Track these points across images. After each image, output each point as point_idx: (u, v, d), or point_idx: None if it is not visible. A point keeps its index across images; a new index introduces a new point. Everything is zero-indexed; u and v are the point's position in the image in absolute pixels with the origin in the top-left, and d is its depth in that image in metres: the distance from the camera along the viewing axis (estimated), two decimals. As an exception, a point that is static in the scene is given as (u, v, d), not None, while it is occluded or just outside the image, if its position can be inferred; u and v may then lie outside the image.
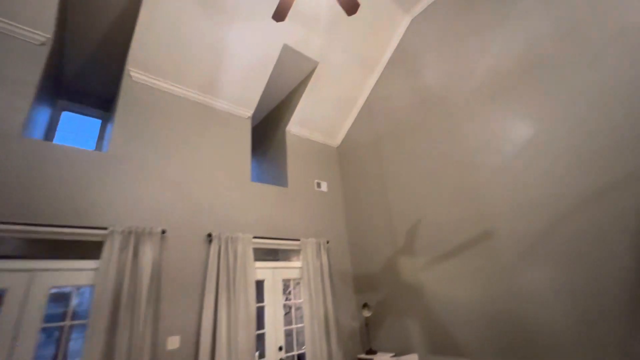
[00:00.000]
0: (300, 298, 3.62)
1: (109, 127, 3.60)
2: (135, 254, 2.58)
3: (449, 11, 3.76)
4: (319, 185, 4.41)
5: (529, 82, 2.92)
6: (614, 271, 2.24)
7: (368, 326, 3.70)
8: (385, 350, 3.55)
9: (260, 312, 3.21)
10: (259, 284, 3.32)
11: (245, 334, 2.89)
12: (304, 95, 4.25)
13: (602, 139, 2.43)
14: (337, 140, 4.87)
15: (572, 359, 2.30)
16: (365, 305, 3.62)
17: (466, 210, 3.13)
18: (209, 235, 3.09)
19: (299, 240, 3.76)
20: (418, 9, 4.11)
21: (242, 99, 3.89)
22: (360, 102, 4.61)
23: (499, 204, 2.91)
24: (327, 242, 3.97)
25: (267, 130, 4.79)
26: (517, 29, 3.09)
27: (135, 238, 2.61)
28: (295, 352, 3.52)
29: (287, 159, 4.22)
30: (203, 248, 3.06)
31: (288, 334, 3.47)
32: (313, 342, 3.33)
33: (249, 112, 4.00)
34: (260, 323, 3.16)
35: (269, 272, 3.50)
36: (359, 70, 4.38)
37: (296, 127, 4.43)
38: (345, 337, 3.72)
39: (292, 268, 3.74)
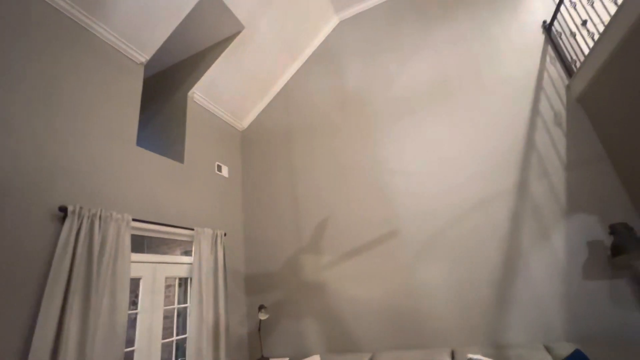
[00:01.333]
0: (186, 302, 2.89)
1: None
2: None
3: (377, 24, 4.02)
4: (219, 168, 3.77)
5: (437, 104, 3.38)
6: (487, 268, 2.76)
7: (260, 331, 3.31)
8: (280, 355, 3.25)
9: (131, 322, 2.33)
10: (133, 283, 2.43)
11: (107, 354, 2.01)
12: (218, 61, 3.58)
13: (486, 161, 3.02)
14: (244, 122, 4.34)
15: (454, 340, 2.67)
16: (261, 308, 3.23)
17: (375, 211, 3.28)
18: (63, 209, 2.05)
19: (192, 229, 3.04)
20: (348, 13, 4.22)
21: (137, 38, 2.90)
22: (277, 87, 4.29)
23: (404, 207, 3.18)
24: (225, 235, 3.38)
25: (164, 87, 3.77)
26: (432, 57, 3.57)
27: None
28: (169, 372, 2.75)
29: (187, 129, 3.42)
30: (50, 227, 2.00)
31: (166, 348, 2.67)
32: (198, 356, 2.67)
33: (144, 58, 3.03)
34: (129, 337, 2.29)
35: (149, 269, 2.64)
36: (282, 53, 4.09)
37: (201, 94, 3.68)
38: (233, 347, 3.20)
39: (179, 264, 2.96)
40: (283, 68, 4.21)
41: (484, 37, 3.43)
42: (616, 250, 2.26)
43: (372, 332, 2.94)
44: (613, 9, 2.39)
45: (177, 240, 3.01)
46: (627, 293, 2.38)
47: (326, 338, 3.10)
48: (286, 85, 4.27)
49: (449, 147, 3.20)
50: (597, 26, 2.75)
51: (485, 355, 2.37)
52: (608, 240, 2.51)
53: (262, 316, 3.21)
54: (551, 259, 2.62)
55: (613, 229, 2.32)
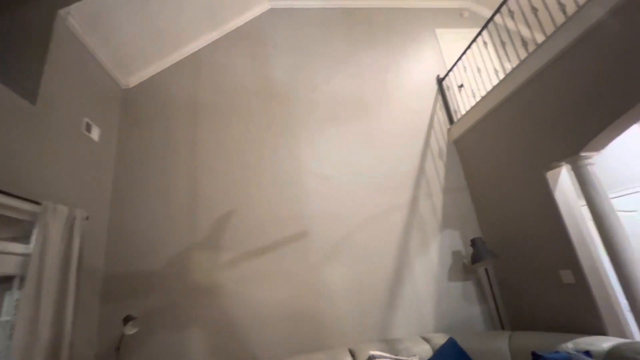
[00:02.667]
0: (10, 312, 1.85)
1: None
2: None
3: (309, 27, 4.03)
4: (88, 127, 2.74)
5: (355, 118, 3.64)
6: (382, 271, 3.06)
7: (120, 350, 2.49)
8: (147, 379, 2.51)
9: None
10: None
11: None
12: (118, -14, 2.69)
13: (389, 177, 3.42)
14: (131, 79, 3.37)
15: (352, 340, 2.78)
16: (128, 319, 2.45)
17: (286, 210, 3.14)
18: None
19: (38, 203, 2.04)
20: (281, 3, 4.06)
21: None
22: (188, 51, 3.59)
23: (316, 209, 3.18)
24: (87, 218, 2.44)
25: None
26: (355, 74, 3.85)
27: None
28: None
29: (47, 59, 2.34)
30: None
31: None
32: (20, 397, 1.73)
33: None
34: None
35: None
36: (203, 16, 3.48)
37: (79, 21, 2.63)
38: (73, 375, 2.24)
39: (6, 254, 1.89)
40: (200, 32, 3.57)
41: (396, 71, 3.98)
42: (474, 258, 2.95)
43: (273, 338, 2.70)
44: (492, 81, 3.25)
45: (6, 217, 1.93)
46: (472, 292, 3.13)
47: (218, 350, 2.63)
48: (200, 52, 3.62)
49: (362, 159, 3.46)
50: (475, 92, 3.67)
51: (379, 350, 2.57)
52: (464, 250, 3.26)
53: (130, 330, 2.43)
54: (429, 264, 3.16)
55: (473, 242, 3.03)
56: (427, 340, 2.71)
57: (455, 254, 3.25)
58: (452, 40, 4.30)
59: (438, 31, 4.32)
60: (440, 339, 2.65)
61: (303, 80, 3.71)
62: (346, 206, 3.24)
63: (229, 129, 3.36)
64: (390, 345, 2.63)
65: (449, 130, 3.78)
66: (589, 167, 2.26)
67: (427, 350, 2.58)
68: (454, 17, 4.54)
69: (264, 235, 3.01)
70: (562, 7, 2.39)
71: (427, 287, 3.07)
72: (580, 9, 2.17)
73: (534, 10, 2.65)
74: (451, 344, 2.51)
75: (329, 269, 3.00)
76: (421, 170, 3.53)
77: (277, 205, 3.14)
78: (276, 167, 3.27)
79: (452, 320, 2.99)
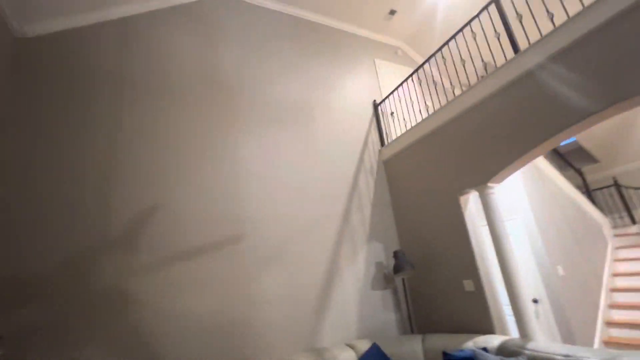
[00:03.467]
0: None
1: None
2: None
3: (260, 24, 3.93)
4: (-41, 75, 2.02)
5: (300, 124, 3.66)
6: (315, 279, 3.09)
7: (-32, 382, 1.82)
8: (11, 418, 1.87)
9: None
10: None
11: None
12: None
13: (328, 187, 3.53)
14: (30, 28, 2.65)
15: (283, 350, 2.69)
16: (-9, 337, 1.83)
17: (221, 210, 2.90)
18: None
19: None
20: (234, -7, 3.85)
21: None
22: (119, 12, 3.04)
23: (254, 212, 3.04)
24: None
25: None
26: (302, 82, 3.90)
27: None
28: None
29: None
30: None
31: None
32: None
33: None
34: None
35: None
36: (145, -22, 3.03)
37: None
38: None
39: None
40: (136, -6, 3.09)
41: (340, 88, 4.20)
42: (396, 269, 3.25)
43: (200, 354, 2.38)
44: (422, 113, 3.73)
45: None
46: (390, 300, 3.43)
47: (119, 372, 2.17)
48: (134, 19, 3.11)
49: (303, 167, 3.48)
50: (406, 121, 4.14)
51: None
52: (386, 261, 3.57)
53: (-8, 352, 1.81)
54: (356, 273, 3.34)
55: (395, 254, 3.35)
56: (352, 347, 2.82)
57: (379, 265, 3.52)
58: (388, 72, 4.80)
59: (377, 61, 4.77)
60: (364, 345, 2.80)
61: (250, 77, 3.56)
62: (285, 212, 3.18)
63: (160, 113, 2.94)
64: (318, 354, 2.64)
65: (380, 150, 4.14)
66: (491, 195, 2.80)
67: (352, 356, 2.68)
68: (390, 52, 5.10)
69: (193, 237, 2.69)
70: (484, 65, 2.96)
71: (353, 295, 3.22)
72: (494, 71, 2.72)
73: (463, 61, 3.20)
74: (375, 350, 2.68)
75: (264, 275, 2.86)
76: (355, 184, 3.75)
77: (210, 204, 2.86)
78: (212, 163, 3.00)
79: (372, 326, 3.20)
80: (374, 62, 4.75)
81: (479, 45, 3.23)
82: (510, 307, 2.55)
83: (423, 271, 3.37)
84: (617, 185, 5.38)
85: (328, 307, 3.04)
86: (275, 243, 3.02)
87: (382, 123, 4.29)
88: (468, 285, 2.88)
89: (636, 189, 5.44)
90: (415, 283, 3.46)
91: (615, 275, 4.06)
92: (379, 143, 4.20)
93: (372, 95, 4.46)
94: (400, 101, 4.10)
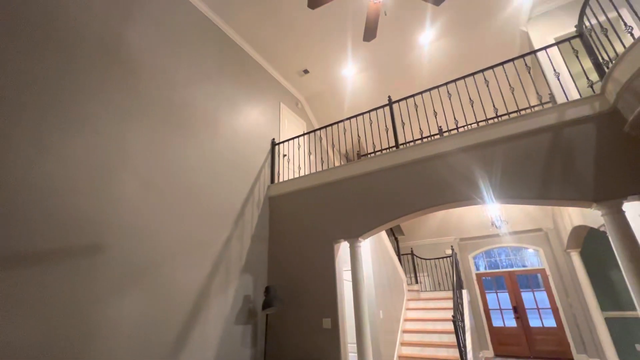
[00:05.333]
0: None
1: None
2: None
3: (187, 22, 3.67)
4: None
5: (198, 138, 3.46)
6: (180, 308, 2.78)
7: None
8: None
9: None
10: None
11: None
12: None
13: (217, 210, 3.38)
14: None
15: (120, 400, 2.17)
16: None
17: (79, 209, 2.29)
18: None
19: None
20: (167, -22, 3.51)
21: None
22: None
23: (125, 220, 2.55)
24: None
25: None
26: (211, 94, 3.78)
27: None
28: None
29: None
30: None
31: None
32: None
33: None
34: None
35: None
36: None
37: None
38: None
39: None
40: None
41: (247, 115, 4.27)
42: (266, 304, 3.33)
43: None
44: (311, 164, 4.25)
45: None
46: (249, 335, 3.40)
47: None
48: None
49: (197, 180, 3.23)
50: (297, 168, 4.57)
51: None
52: (253, 295, 3.59)
53: None
54: (224, 306, 3.19)
55: (267, 290, 3.44)
56: (208, 387, 2.60)
57: (246, 298, 3.49)
58: (288, 118, 5.26)
59: (282, 104, 5.17)
60: (223, 384, 2.64)
61: (161, 68, 3.18)
62: (164, 226, 2.79)
63: (30, 66, 2.18)
64: (170, 398, 2.31)
65: (268, 187, 4.34)
66: (359, 247, 3.46)
67: (209, 398, 2.48)
68: (293, 102, 5.65)
69: (25, 237, 1.97)
70: (377, 144, 3.82)
71: (216, 330, 3.03)
72: (378, 156, 3.59)
73: (356, 139, 4.00)
74: (237, 388, 2.58)
75: (117, 299, 2.33)
76: (241, 213, 3.73)
77: (64, 196, 2.20)
78: (85, 148, 2.39)
79: (228, 364, 3.05)
80: (280, 104, 5.13)
81: (369, 130, 4.16)
82: (353, 344, 3.09)
83: (286, 308, 3.58)
84: (412, 254, 7.54)
85: (187, 342, 2.73)
86: (143, 261, 2.57)
87: (276, 162, 4.57)
88: (326, 323, 3.29)
89: (422, 258, 7.77)
90: (276, 319, 3.60)
91: (406, 320, 5.53)
92: (269, 179, 4.41)
93: (272, 134, 4.74)
94: (298, 148, 4.54)
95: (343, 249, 3.74)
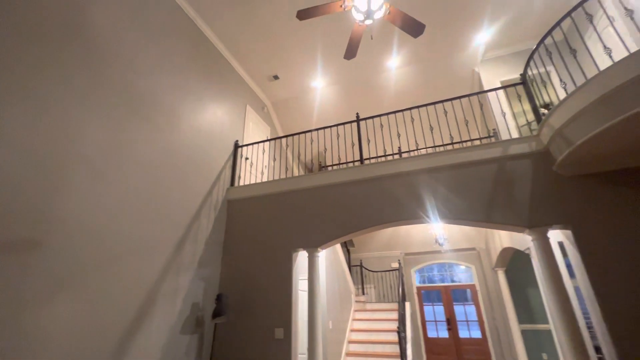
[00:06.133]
0: None
1: None
2: None
3: (159, 11, 3.45)
4: None
5: (159, 129, 3.24)
6: (123, 315, 2.53)
7: None
8: None
9: None
10: None
11: None
12: None
13: (168, 208, 3.18)
14: None
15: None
16: None
17: (14, 198, 2.00)
18: None
19: None
20: (140, -42, 3.28)
21: None
22: None
23: (71, 212, 2.28)
24: None
25: None
26: (176, 86, 3.58)
27: None
28: None
29: None
30: None
31: None
32: None
33: None
34: None
35: None
36: None
37: None
38: None
39: None
40: None
41: (214, 113, 4.10)
42: (216, 313, 3.17)
43: None
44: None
45: None
46: (194, 346, 3.20)
47: None
48: None
49: (154, 175, 3.01)
50: (259, 173, 4.48)
51: None
52: (202, 303, 3.39)
53: None
54: (171, 313, 2.97)
55: (219, 298, 3.28)
56: (146, 403, 2.38)
57: (195, 306, 3.29)
58: (254, 121, 5.16)
59: (248, 107, 5.07)
60: (164, 400, 2.44)
61: (127, 52, 2.93)
62: (112, 223, 2.54)
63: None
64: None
65: (228, 189, 4.19)
66: (317, 257, 3.48)
67: (147, 415, 2.27)
68: (259, 105, 5.56)
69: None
70: (319, 163, 3.92)
71: (159, 339, 2.79)
72: (344, 169, 3.70)
73: (320, 151, 4.07)
74: (180, 403, 2.40)
75: (54, 304, 2.04)
76: (197, 215, 3.54)
77: (7, 185, 1.91)
78: (30, 129, 2.10)
79: (169, 377, 2.83)
80: (246, 106, 5.03)
81: (335, 143, 4.27)
82: (302, 355, 3.08)
83: (237, 317, 3.45)
84: (361, 266, 7.79)
85: (127, 354, 2.48)
86: (85, 260, 2.31)
87: (238, 164, 4.44)
88: (279, 333, 3.24)
89: (370, 270, 8.06)
90: (226, 329, 3.44)
91: (352, 330, 5.66)
92: (229, 182, 4.26)
93: (236, 135, 4.61)
94: (262, 153, 4.47)
95: (300, 259, 3.74)
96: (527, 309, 6.62)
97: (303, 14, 2.47)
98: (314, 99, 5.66)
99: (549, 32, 2.72)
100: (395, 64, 5.04)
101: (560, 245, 3.35)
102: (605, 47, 2.39)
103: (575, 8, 2.47)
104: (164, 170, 3.17)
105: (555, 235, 3.24)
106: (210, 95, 4.15)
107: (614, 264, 2.47)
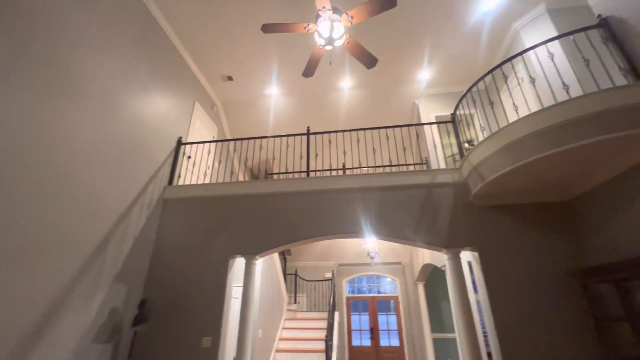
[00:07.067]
0: None
1: None
2: None
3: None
4: None
5: (97, 112, 2.97)
6: (16, 324, 2.22)
7: None
8: None
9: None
10: None
11: None
12: None
13: (95, 198, 2.90)
14: None
15: None
16: None
17: None
18: None
19: None
20: None
21: None
22: None
23: None
24: None
25: None
26: (121, 72, 3.33)
27: None
28: None
29: None
30: None
31: None
32: None
33: None
34: None
35: None
36: None
37: None
38: None
39: None
40: None
41: (156, 105, 3.87)
42: (139, 320, 2.95)
43: None
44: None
45: None
46: (108, 356, 2.91)
47: None
48: None
49: (84, 161, 2.72)
50: (202, 174, 4.33)
51: None
52: (122, 308, 3.12)
53: None
54: (84, 320, 2.68)
55: (142, 303, 3.06)
56: (42, 422, 2.10)
57: (113, 311, 3.01)
58: (201, 119, 4.97)
59: (197, 104, 4.88)
60: (65, 418, 2.18)
61: (62, 21, 2.64)
62: (22, 213, 2.23)
63: None
64: None
65: (165, 187, 3.95)
66: (254, 265, 3.48)
67: None
68: (209, 104, 5.38)
69: None
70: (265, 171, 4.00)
71: (64, 350, 2.49)
72: (290, 180, 3.80)
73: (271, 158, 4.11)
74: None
75: None
76: (127, 211, 3.27)
77: None
78: None
79: (73, 392, 2.53)
80: (195, 103, 4.83)
81: (284, 152, 4.35)
82: (233, 363, 3.03)
83: (163, 324, 3.24)
84: (296, 274, 7.87)
85: (24, 366, 2.17)
86: (-18, 259, 1.99)
87: (179, 162, 4.22)
88: (206, 342, 3.13)
89: (304, 279, 8.18)
90: (148, 337, 3.20)
91: (281, 339, 5.67)
92: (167, 180, 4.02)
93: (180, 132, 4.39)
94: (208, 154, 4.32)
95: (236, 265, 3.68)
96: (439, 320, 7.40)
97: (268, 28, 2.55)
98: (267, 106, 5.68)
99: (474, 84, 3.22)
100: (347, 85, 5.36)
101: (469, 264, 3.89)
102: (514, 103, 2.93)
103: (494, 68, 2.99)
104: (93, 158, 2.89)
105: (466, 256, 3.76)
106: (157, 86, 3.92)
107: (507, 282, 2.98)
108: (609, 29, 2.54)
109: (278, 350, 5.30)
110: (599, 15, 2.63)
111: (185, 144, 4.32)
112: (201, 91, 5.12)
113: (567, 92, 2.56)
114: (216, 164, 4.76)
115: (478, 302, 3.71)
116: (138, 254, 3.40)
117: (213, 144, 5.04)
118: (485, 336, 3.70)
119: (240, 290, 3.36)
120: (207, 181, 4.67)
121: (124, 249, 3.20)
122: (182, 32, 4.27)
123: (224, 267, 3.43)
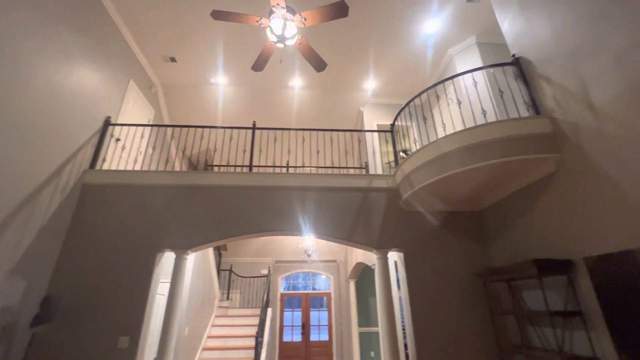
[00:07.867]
0: None
1: None
2: None
3: None
4: None
5: None
6: None
7: None
8: None
9: None
10: None
11: None
12: None
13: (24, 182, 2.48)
14: None
15: None
16: None
17: None
18: None
19: None
20: None
21: None
22: None
23: None
24: None
25: None
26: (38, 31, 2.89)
27: None
28: None
29: None
30: None
31: None
32: None
33: None
34: None
35: None
36: None
37: None
38: None
39: None
40: None
41: (81, 78, 3.43)
42: (39, 319, 2.59)
43: None
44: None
45: None
46: (-5, 362, 2.51)
47: None
48: None
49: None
50: (133, 161, 3.97)
51: None
52: (20, 306, 2.70)
53: None
54: (-36, 320, 2.26)
55: (47, 300, 2.70)
56: None
57: (5, 311, 2.59)
58: (136, 100, 4.54)
59: (132, 82, 4.44)
60: None
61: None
62: None
63: None
64: None
65: (85, 171, 3.52)
66: (184, 260, 3.31)
67: None
68: (146, 84, 4.93)
69: None
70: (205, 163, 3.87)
71: None
72: (230, 173, 3.70)
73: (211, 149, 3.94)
74: None
75: None
76: (35, 195, 2.84)
77: None
78: None
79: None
80: (129, 81, 4.38)
81: (227, 145, 4.20)
82: (153, 363, 2.85)
83: (72, 324, 2.89)
84: (231, 270, 7.65)
85: None
86: None
87: (105, 144, 3.80)
88: (123, 342, 2.88)
89: (239, 276, 7.98)
90: (50, 339, 2.82)
91: (209, 337, 5.46)
92: (89, 163, 3.59)
93: (109, 111, 3.95)
94: (141, 138, 3.96)
95: (164, 260, 3.46)
96: (366, 315, 7.89)
97: (218, 15, 2.44)
98: (212, 95, 5.41)
99: (412, 100, 3.53)
100: (297, 84, 5.39)
101: (395, 264, 4.24)
102: (442, 121, 3.28)
103: (429, 88, 3.32)
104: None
105: (393, 256, 4.09)
106: (85, 56, 3.47)
107: (425, 279, 3.32)
108: (520, 68, 3.00)
109: (205, 349, 5.11)
110: (514, 55, 3.09)
111: (114, 124, 3.90)
112: (138, 68, 4.67)
113: (485, 117, 2.96)
114: (150, 150, 4.39)
115: (400, 298, 4.07)
116: (44, 245, 2.98)
117: (148, 128, 4.63)
118: (403, 329, 4.07)
119: (168, 286, 3.16)
120: (137, 168, 4.28)
121: (26, 239, 2.78)
122: (123, 6, 3.84)
123: (151, 261, 3.20)
